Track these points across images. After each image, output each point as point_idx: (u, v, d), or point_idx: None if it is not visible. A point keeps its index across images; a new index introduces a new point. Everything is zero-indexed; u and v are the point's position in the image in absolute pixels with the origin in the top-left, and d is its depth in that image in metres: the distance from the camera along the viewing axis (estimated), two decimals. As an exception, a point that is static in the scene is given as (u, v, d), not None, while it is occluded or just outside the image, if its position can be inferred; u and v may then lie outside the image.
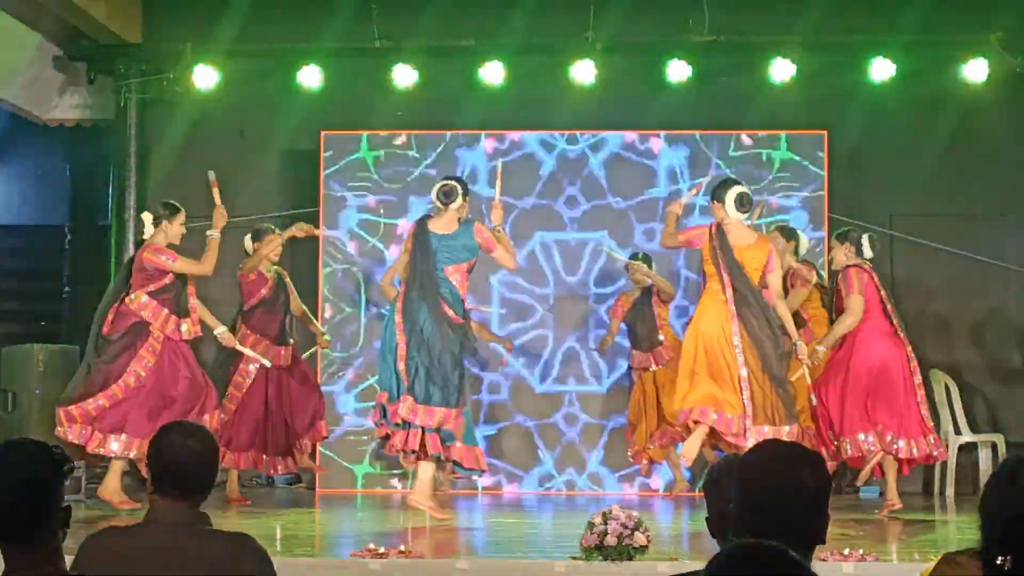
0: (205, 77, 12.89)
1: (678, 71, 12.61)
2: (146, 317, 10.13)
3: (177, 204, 10.59)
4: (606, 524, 7.34)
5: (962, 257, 12.85)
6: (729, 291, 9.58)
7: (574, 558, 7.42)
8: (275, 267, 11.31)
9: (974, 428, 12.54)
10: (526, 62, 12.86)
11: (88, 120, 13.73)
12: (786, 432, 9.37)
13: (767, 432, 9.25)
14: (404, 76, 12.77)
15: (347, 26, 12.68)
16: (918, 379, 10.48)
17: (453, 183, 9.87)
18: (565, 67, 12.66)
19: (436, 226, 9.75)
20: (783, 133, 12.77)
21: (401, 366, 9.39)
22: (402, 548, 7.62)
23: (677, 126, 12.88)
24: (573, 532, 7.99)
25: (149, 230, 10.38)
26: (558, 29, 12.80)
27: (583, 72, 12.61)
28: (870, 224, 12.70)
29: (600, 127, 12.92)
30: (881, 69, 12.56)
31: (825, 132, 12.75)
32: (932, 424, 10.60)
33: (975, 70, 12.51)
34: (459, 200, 9.78)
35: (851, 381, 10.31)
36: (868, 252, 10.59)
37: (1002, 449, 12.23)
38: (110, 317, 10.18)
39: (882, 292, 10.55)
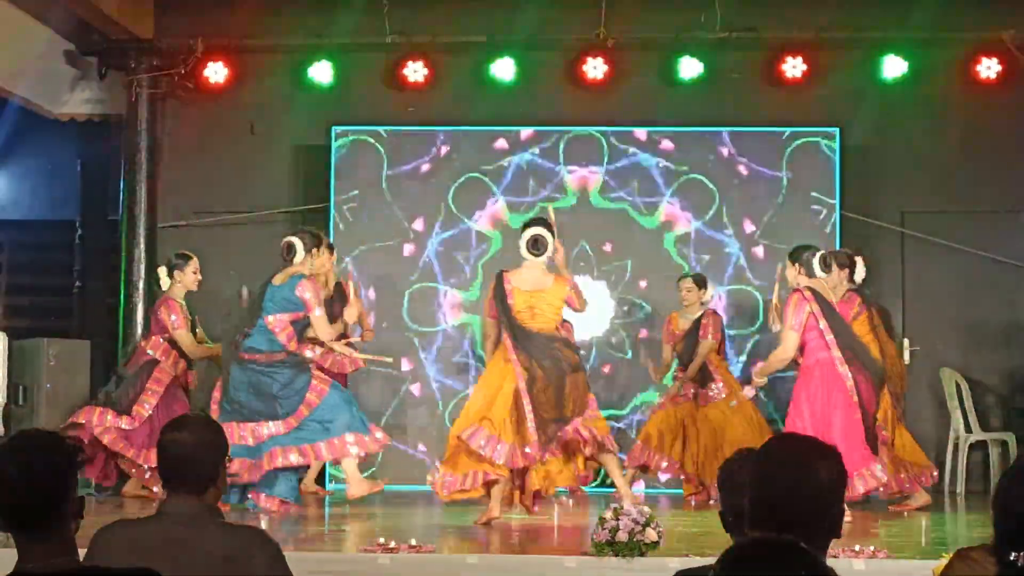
0: (216, 72, 12.92)
1: (689, 68, 12.62)
2: (157, 356, 11.06)
3: (189, 253, 11.24)
4: (617, 520, 7.33)
5: (973, 255, 12.82)
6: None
7: (585, 554, 7.42)
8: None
9: (985, 426, 12.51)
10: (537, 58, 12.88)
11: (99, 115, 13.74)
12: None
13: None
14: (415, 72, 12.77)
15: (358, 21, 12.68)
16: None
17: (295, 239, 10.10)
18: (576, 63, 12.66)
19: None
20: (798, 130, 12.76)
21: None
22: (412, 543, 7.62)
23: (688, 123, 12.87)
24: (584, 528, 8.00)
25: (165, 282, 11.12)
26: (569, 25, 12.79)
27: (594, 68, 12.61)
28: (881, 221, 12.71)
29: (611, 124, 12.90)
30: (893, 66, 12.56)
31: (837, 129, 12.73)
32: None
33: (987, 67, 12.51)
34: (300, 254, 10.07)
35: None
36: (820, 272, 9.74)
37: (1012, 447, 12.20)
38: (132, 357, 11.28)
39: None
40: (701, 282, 11.80)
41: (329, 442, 9.77)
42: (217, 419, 9.61)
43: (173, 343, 11.09)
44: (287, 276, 9.99)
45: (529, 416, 9.15)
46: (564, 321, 10.08)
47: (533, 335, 9.41)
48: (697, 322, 11.61)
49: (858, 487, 9.42)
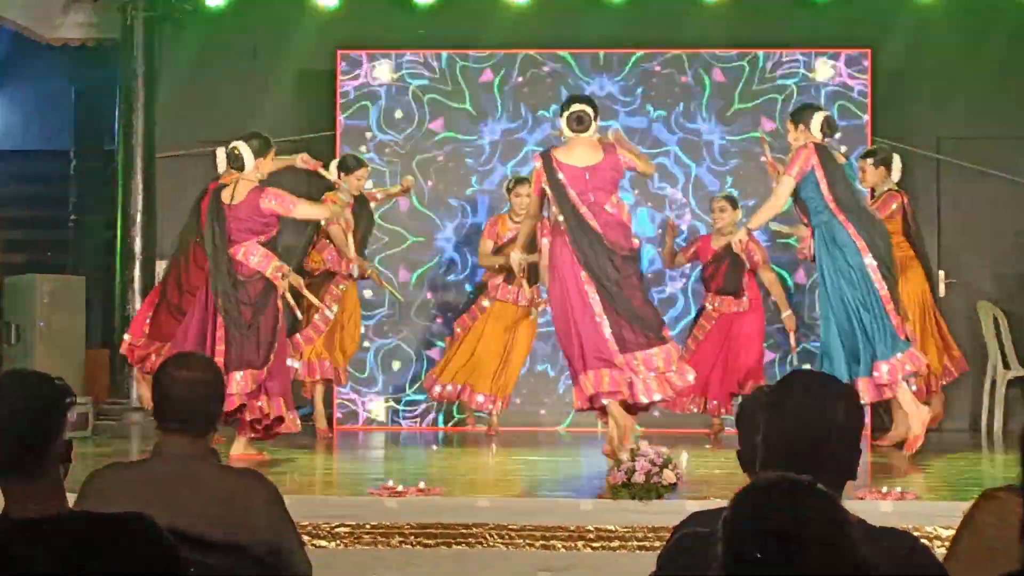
0: (215, -8, 12.91)
1: (716, -14, 12.58)
2: None
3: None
4: (634, 461, 7.37)
5: (1011, 181, 12.78)
6: None
7: (601, 496, 7.46)
8: None
9: (1024, 362, 12.52)
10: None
11: (93, 39, 13.69)
12: None
13: None
14: (425, -9, 12.78)
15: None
16: None
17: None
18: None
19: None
20: (826, 51, 12.71)
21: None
22: (421, 486, 7.67)
23: (715, 44, 12.80)
24: (600, 470, 8.03)
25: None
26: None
27: (615, -12, 12.60)
28: (915, 147, 12.65)
29: (633, 45, 12.85)
30: (928, -16, 12.52)
31: (869, 50, 12.67)
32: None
33: (1027, -16, 12.48)
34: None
35: None
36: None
37: (1053, 384, 12.23)
38: None
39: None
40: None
41: None
42: None
43: None
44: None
45: None
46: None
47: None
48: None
49: None
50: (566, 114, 9.25)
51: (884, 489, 7.51)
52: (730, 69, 12.74)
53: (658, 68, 12.80)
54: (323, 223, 11.15)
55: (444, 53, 12.86)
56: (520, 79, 12.84)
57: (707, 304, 11.66)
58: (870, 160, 10.93)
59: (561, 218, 9.04)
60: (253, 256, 9.39)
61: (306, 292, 10.10)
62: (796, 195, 9.61)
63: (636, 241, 9.31)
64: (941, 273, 12.65)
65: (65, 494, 3.48)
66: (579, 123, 9.16)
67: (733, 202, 11.66)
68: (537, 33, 12.92)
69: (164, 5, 12.95)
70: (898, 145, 12.48)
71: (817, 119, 9.63)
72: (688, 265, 12.22)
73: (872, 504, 7.20)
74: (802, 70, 12.70)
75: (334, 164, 11.40)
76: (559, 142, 9.37)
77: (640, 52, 12.81)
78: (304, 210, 9.66)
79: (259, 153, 9.52)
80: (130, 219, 12.74)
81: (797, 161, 9.52)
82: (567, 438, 11.96)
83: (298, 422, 9.64)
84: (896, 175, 10.89)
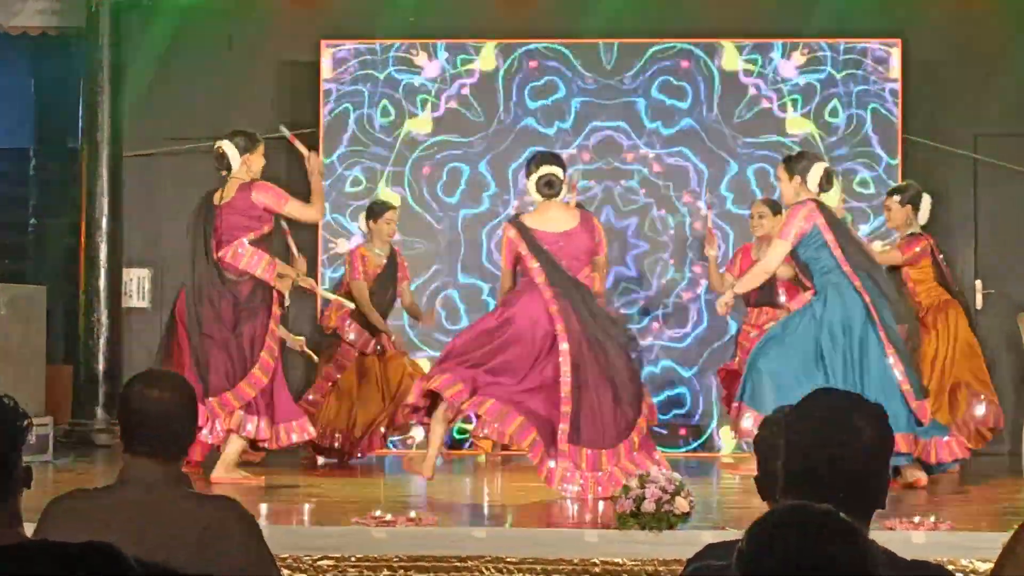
0: (188, -23, 12.93)
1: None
2: None
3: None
4: (643, 488, 7.36)
5: (1056, 183, 12.81)
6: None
7: (607, 526, 7.47)
8: None
9: (1069, 381, 12.51)
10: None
11: (55, 28, 13.69)
12: None
13: None
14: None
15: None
16: None
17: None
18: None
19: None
20: (854, 42, 12.72)
21: None
22: (412, 515, 7.67)
23: (735, 33, 12.81)
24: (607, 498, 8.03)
25: None
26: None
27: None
28: (951, 146, 12.67)
29: (642, 35, 12.86)
30: (963, -32, 12.54)
31: (899, 41, 12.68)
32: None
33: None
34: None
35: None
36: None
37: (1102, 406, 12.20)
38: None
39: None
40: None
41: None
42: None
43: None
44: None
45: None
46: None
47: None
48: None
49: None
50: (535, 176, 9.47)
51: (916, 519, 7.51)
52: (744, 62, 12.76)
53: (669, 61, 12.83)
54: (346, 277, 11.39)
55: (441, 43, 12.89)
56: (517, 73, 12.85)
57: (745, 326, 11.55)
58: (897, 198, 10.88)
59: (542, 278, 9.19)
60: (242, 256, 9.73)
61: (300, 280, 10.36)
62: (794, 255, 9.58)
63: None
64: (978, 283, 12.65)
65: (23, 521, 3.49)
66: (549, 187, 9.47)
67: (774, 207, 11.50)
68: (536, 24, 12.93)
69: (133, -10, 12.98)
70: (930, 143, 12.54)
71: (816, 171, 9.59)
72: (700, 272, 12.26)
73: (903, 535, 7.20)
74: (830, 68, 12.72)
75: (362, 216, 11.61)
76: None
77: (651, 44, 12.82)
78: (295, 207, 10.01)
79: (245, 150, 10.02)
80: (95, 223, 12.73)
81: (794, 222, 9.49)
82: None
83: (310, 429, 10.00)
84: (924, 217, 10.84)
